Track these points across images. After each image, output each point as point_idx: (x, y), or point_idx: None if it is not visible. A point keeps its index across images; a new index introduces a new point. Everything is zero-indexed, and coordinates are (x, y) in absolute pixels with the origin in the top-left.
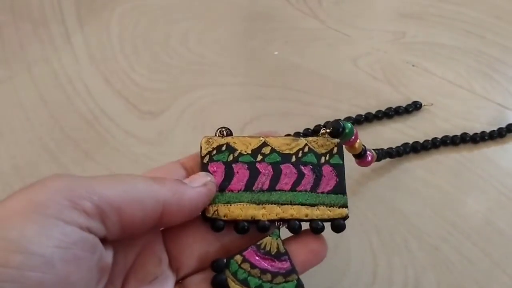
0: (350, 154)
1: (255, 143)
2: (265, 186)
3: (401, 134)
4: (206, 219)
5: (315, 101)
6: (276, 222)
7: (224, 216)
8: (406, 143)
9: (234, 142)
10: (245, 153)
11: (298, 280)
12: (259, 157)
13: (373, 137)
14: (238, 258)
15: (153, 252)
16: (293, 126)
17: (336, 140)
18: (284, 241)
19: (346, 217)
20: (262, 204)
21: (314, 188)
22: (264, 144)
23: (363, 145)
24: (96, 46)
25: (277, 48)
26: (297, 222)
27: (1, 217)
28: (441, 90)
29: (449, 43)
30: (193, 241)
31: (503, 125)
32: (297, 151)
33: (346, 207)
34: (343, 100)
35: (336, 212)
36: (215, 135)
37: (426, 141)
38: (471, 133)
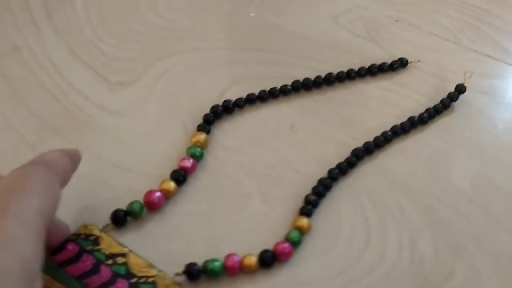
0: None
1: (117, 250)
2: (94, 285)
3: (389, 92)
4: None
5: (296, 63)
6: None
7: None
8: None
9: (102, 239)
10: (102, 252)
11: None
12: (110, 261)
13: (358, 95)
14: None
15: None
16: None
17: None
18: None
19: None
20: None
21: None
22: (123, 255)
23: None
24: (58, 16)
25: (254, 9)
26: None
27: None
28: (427, 44)
29: None
30: None
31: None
32: (142, 276)
33: None
34: (325, 59)
35: None
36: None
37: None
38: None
